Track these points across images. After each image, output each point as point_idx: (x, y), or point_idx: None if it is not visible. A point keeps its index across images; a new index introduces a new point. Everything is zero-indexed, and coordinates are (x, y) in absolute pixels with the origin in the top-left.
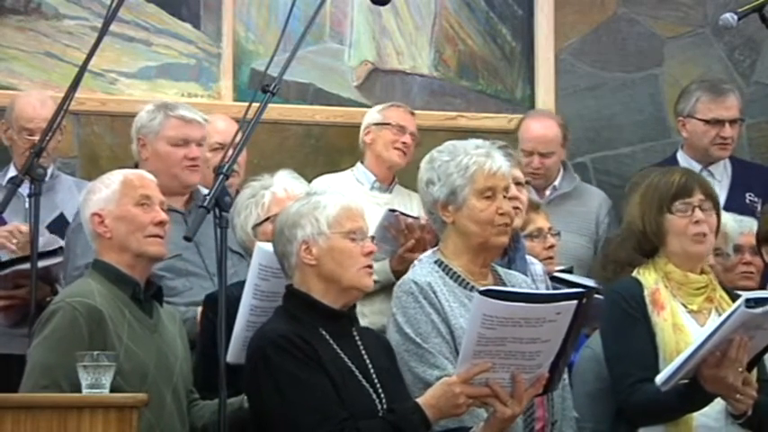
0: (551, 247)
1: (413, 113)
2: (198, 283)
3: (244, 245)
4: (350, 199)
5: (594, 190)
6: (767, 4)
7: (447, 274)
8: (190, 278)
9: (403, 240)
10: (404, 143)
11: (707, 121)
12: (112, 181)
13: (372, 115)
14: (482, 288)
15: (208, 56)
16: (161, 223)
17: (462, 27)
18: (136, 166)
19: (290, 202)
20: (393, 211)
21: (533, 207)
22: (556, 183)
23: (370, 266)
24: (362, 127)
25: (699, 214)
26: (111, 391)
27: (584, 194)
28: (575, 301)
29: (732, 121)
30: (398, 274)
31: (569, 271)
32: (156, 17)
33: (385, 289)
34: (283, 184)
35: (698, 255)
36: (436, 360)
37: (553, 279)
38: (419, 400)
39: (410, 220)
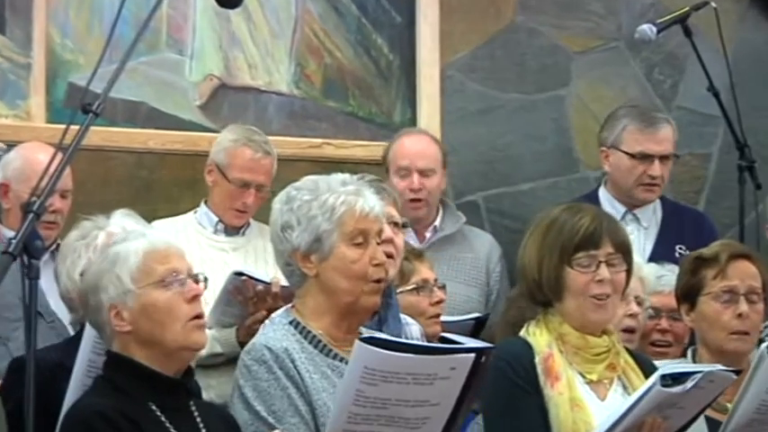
0: (439, 302)
1: (269, 153)
2: None
3: (68, 296)
4: (157, 238)
5: (481, 233)
6: (691, 14)
7: (305, 338)
8: None
9: (252, 309)
10: (244, 203)
11: (633, 156)
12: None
13: (218, 153)
14: (365, 335)
15: (14, 66)
16: None
17: (329, 36)
18: None
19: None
20: (239, 274)
21: (416, 255)
22: (437, 223)
23: (199, 317)
24: (208, 158)
25: (603, 272)
26: None
27: (471, 237)
28: (472, 355)
29: (663, 158)
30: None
31: (482, 322)
32: None
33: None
34: (121, 223)
35: (597, 323)
36: None
37: (442, 341)
38: None
39: (260, 286)
